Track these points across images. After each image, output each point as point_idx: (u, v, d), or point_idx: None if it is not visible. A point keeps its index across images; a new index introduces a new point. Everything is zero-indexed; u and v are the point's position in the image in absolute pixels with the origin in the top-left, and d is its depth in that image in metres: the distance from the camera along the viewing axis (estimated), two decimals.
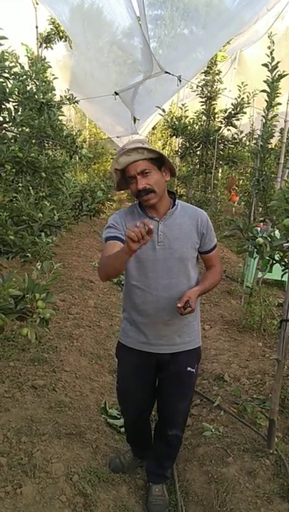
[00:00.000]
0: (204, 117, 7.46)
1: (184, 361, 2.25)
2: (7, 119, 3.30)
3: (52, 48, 7.73)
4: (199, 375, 3.77)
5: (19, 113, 3.32)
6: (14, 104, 3.44)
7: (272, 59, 4.16)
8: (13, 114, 3.29)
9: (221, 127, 7.23)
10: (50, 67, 4.53)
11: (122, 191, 13.79)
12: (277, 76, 4.21)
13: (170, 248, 2.09)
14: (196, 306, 2.20)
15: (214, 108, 7.48)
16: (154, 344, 2.20)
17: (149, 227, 1.68)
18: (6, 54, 3.32)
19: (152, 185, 2.01)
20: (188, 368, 2.26)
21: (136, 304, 2.19)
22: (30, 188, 3.34)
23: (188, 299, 1.97)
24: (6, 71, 3.23)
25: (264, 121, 4.54)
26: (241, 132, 7.36)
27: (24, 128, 3.56)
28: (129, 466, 2.69)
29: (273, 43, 4.12)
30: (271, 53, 4.15)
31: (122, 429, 3.10)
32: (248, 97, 6.94)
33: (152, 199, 2.04)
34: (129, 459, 2.71)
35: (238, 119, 7.15)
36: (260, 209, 4.81)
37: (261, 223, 4.82)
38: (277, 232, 2.44)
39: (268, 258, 2.48)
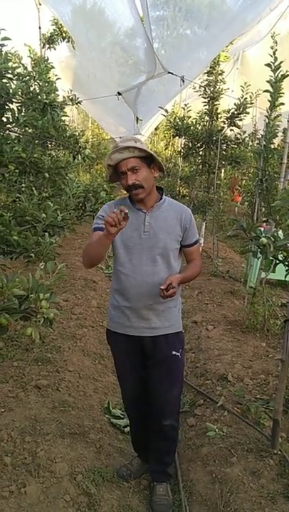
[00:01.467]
0: (207, 117, 7.44)
1: (167, 346, 2.37)
2: (10, 120, 3.31)
3: (55, 49, 7.74)
4: (202, 375, 3.77)
5: (22, 114, 3.33)
6: (17, 104, 3.44)
7: (276, 59, 4.16)
8: (16, 114, 3.30)
9: (223, 127, 7.21)
10: (53, 67, 4.53)
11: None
12: (280, 76, 4.21)
13: (155, 237, 2.26)
14: (177, 294, 2.36)
15: (217, 108, 7.46)
16: (137, 327, 2.34)
17: (125, 213, 1.90)
18: (9, 55, 3.32)
19: (141, 181, 2.19)
20: (173, 352, 2.38)
21: (121, 289, 2.34)
22: (34, 188, 3.35)
23: (171, 283, 2.12)
24: (10, 72, 3.24)
25: (267, 121, 4.53)
26: (244, 132, 7.34)
27: (27, 128, 3.57)
28: (137, 472, 2.68)
29: (276, 43, 4.12)
30: (274, 53, 4.15)
31: (126, 429, 3.10)
32: (250, 97, 6.93)
33: (141, 194, 2.22)
34: (136, 465, 2.70)
35: (241, 120, 7.12)
36: (263, 209, 4.80)
37: (264, 223, 4.81)
38: (280, 232, 2.45)
39: (271, 258, 2.47)
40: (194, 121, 7.40)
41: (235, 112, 6.96)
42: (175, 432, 2.55)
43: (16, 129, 3.47)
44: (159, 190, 2.38)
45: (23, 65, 3.80)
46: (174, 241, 2.30)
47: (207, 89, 7.23)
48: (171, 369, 2.40)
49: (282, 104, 4.44)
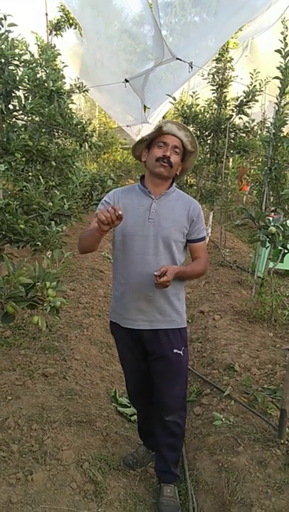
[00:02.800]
0: (215, 105, 7.36)
1: (169, 342, 2.29)
2: (17, 107, 3.29)
3: (62, 36, 7.68)
4: (209, 365, 3.77)
5: (29, 101, 3.30)
6: (24, 92, 3.42)
7: (286, 45, 4.09)
8: (23, 102, 3.28)
9: (232, 115, 7.13)
10: (59, 54, 4.48)
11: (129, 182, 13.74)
12: None
13: (159, 226, 2.20)
14: (181, 289, 2.33)
15: (225, 96, 7.37)
16: (134, 319, 2.27)
17: (118, 213, 1.84)
18: (16, 41, 3.29)
19: (173, 162, 2.17)
20: (175, 350, 2.30)
21: (121, 277, 2.29)
22: (41, 177, 3.33)
23: (166, 270, 2.04)
24: (16, 58, 3.21)
25: (277, 108, 4.47)
26: (253, 121, 7.26)
27: (34, 116, 3.54)
28: (143, 461, 2.68)
29: (287, 28, 4.04)
30: (285, 39, 4.07)
31: (132, 418, 3.11)
32: (260, 84, 6.84)
33: (166, 171, 2.18)
34: (142, 452, 2.70)
35: (249, 107, 7.03)
36: (272, 198, 4.75)
37: (273, 213, 4.76)
38: None
39: (280, 248, 2.45)
40: (202, 109, 7.31)
41: (244, 100, 6.87)
42: (179, 429, 2.46)
43: (23, 116, 3.45)
44: (171, 181, 2.34)
45: (29, 52, 3.75)
46: (178, 232, 2.23)
47: (215, 77, 7.15)
48: (172, 367, 2.32)
49: None
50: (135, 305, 2.26)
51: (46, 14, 7.14)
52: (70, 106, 3.89)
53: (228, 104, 7.27)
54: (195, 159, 2.33)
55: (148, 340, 2.30)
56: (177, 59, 5.64)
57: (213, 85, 7.19)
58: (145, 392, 2.52)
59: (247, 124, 7.15)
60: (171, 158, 2.15)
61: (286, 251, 2.51)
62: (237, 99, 6.99)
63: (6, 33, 3.16)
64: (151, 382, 2.45)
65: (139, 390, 2.57)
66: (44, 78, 3.49)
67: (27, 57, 3.43)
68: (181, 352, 2.32)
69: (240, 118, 7.19)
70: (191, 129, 7.57)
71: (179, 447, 2.54)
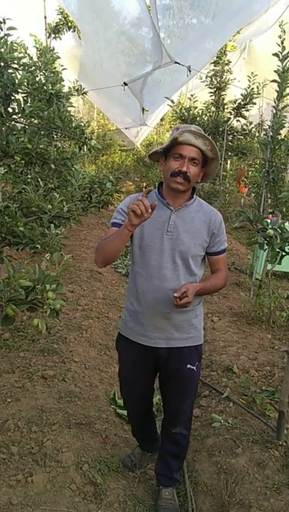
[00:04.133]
0: (213, 108, 7.41)
1: (183, 358, 2.21)
2: (16, 111, 3.30)
3: (60, 39, 7.68)
4: (208, 367, 3.78)
5: (28, 104, 3.30)
6: (23, 95, 3.42)
7: (283, 48, 4.11)
8: (22, 105, 3.28)
9: (230, 118, 7.17)
10: (58, 57, 4.49)
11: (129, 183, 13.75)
12: (288, 65, 4.16)
13: (178, 240, 2.07)
14: (199, 304, 2.21)
15: (223, 99, 7.42)
16: (150, 337, 2.17)
17: (152, 202, 1.77)
18: (14, 45, 3.30)
19: (191, 176, 2.01)
20: (188, 366, 2.22)
21: (138, 293, 2.17)
22: (40, 179, 3.34)
23: (186, 291, 1.93)
24: (15, 62, 3.22)
25: (274, 111, 4.49)
26: (251, 123, 7.29)
27: (33, 119, 3.54)
28: (140, 463, 2.67)
29: (285, 32, 4.07)
30: (282, 42, 4.09)
31: None
32: (257, 87, 6.87)
33: (183, 186, 2.03)
34: (138, 455, 2.68)
35: (247, 110, 7.08)
36: (270, 200, 4.77)
37: (271, 215, 4.78)
38: (287, 223, 2.43)
39: (278, 250, 2.46)
40: (200, 111, 7.35)
41: (242, 103, 6.92)
42: (185, 440, 2.44)
43: (22, 119, 3.45)
44: (192, 189, 2.18)
45: (28, 55, 3.76)
46: (198, 246, 2.10)
47: (213, 80, 7.19)
48: (184, 381, 2.26)
49: None
50: (151, 322, 2.15)
51: (45, 17, 7.15)
52: (69, 108, 3.90)
53: (226, 106, 7.31)
54: (217, 166, 2.14)
55: (162, 356, 2.21)
56: (175, 63, 5.66)
57: (211, 88, 7.23)
58: (146, 417, 2.54)
59: (245, 127, 7.18)
60: (188, 172, 1.98)
61: (284, 253, 2.53)
62: (235, 102, 7.03)
63: (5, 37, 3.17)
64: (152, 397, 2.46)
65: (139, 416, 2.55)
66: (43, 81, 3.50)
67: (26, 60, 3.44)
68: (194, 368, 2.24)
69: (238, 120, 7.23)
70: None
71: (182, 456, 2.53)
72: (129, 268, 2.29)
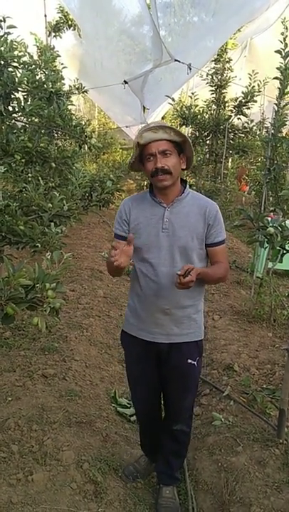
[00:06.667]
0: (214, 106, 7.39)
1: (184, 353, 2.22)
2: (16, 109, 3.29)
3: (61, 37, 7.66)
4: (209, 365, 3.78)
5: (28, 103, 3.30)
6: (23, 93, 3.42)
7: (286, 45, 4.10)
8: (22, 103, 3.28)
9: (231, 116, 7.16)
10: (59, 56, 4.47)
11: (131, 182, 13.74)
12: None
13: (174, 236, 2.08)
14: (198, 298, 2.22)
15: (224, 97, 7.40)
16: (151, 332, 2.20)
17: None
18: (14, 43, 3.29)
19: (170, 167, 2.01)
20: (189, 360, 2.23)
21: (138, 289, 2.21)
22: (40, 178, 3.33)
23: (190, 269, 1.87)
24: (15, 60, 3.21)
25: (276, 109, 4.48)
26: (252, 121, 7.28)
27: (33, 118, 3.54)
28: (144, 472, 2.62)
29: (287, 29, 4.05)
30: (284, 39, 4.08)
31: (132, 418, 3.12)
32: (258, 85, 6.86)
33: (167, 180, 2.03)
34: (144, 464, 2.62)
35: (248, 108, 7.06)
36: (271, 199, 4.76)
37: (271, 213, 4.77)
38: (288, 221, 2.42)
39: (278, 248, 2.46)
40: (201, 109, 7.34)
41: (243, 101, 6.90)
42: (186, 437, 2.45)
43: (22, 118, 3.45)
44: (183, 183, 2.18)
45: (28, 53, 3.75)
46: (196, 240, 2.09)
47: (214, 78, 7.18)
48: (185, 377, 2.27)
49: None
50: (151, 318, 2.18)
51: (45, 15, 7.12)
52: (70, 107, 3.89)
53: (226, 104, 7.30)
54: (190, 145, 2.10)
55: (163, 351, 2.23)
56: (176, 60, 5.64)
57: (212, 86, 7.21)
58: (155, 411, 2.50)
59: (246, 125, 7.17)
60: (165, 166, 1.99)
61: (285, 251, 2.53)
62: (236, 100, 7.01)
63: (6, 35, 3.16)
64: (160, 395, 2.44)
65: (148, 410, 2.51)
66: (43, 80, 3.50)
67: (26, 58, 3.44)
68: (195, 362, 2.25)
69: (239, 118, 7.22)
70: (190, 130, 7.60)
71: (183, 454, 2.54)
72: (131, 267, 2.30)
